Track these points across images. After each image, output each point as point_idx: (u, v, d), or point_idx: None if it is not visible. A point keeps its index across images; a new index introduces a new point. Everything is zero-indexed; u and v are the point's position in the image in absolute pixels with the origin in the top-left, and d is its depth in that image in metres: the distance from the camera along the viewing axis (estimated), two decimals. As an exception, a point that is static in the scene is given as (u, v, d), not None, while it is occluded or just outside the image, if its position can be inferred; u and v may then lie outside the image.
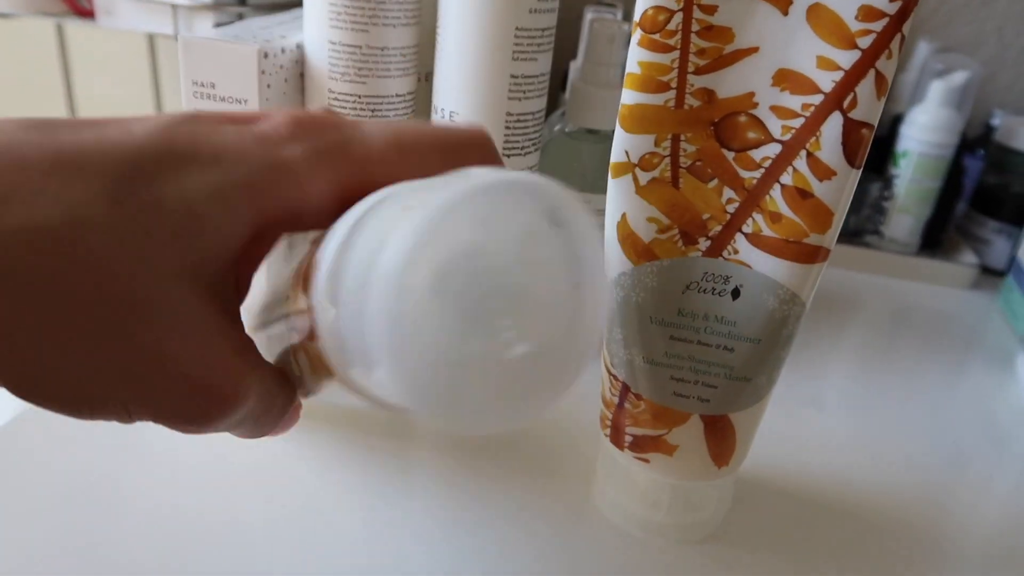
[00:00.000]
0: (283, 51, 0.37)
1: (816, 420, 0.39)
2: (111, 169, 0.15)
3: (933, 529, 0.32)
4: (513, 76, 0.35)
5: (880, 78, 0.23)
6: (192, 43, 0.35)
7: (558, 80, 0.52)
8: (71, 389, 0.15)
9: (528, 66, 0.35)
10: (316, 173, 0.17)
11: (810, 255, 0.25)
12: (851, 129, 0.23)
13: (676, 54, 0.24)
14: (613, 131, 0.26)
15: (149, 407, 0.16)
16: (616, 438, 0.29)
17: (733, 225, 0.25)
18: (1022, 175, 0.56)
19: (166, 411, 0.16)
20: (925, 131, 0.53)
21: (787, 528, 0.31)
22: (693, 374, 0.27)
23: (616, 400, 0.28)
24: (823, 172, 0.24)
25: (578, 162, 0.41)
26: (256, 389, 0.17)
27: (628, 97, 0.25)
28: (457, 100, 0.36)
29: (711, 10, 0.23)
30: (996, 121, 0.60)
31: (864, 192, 0.56)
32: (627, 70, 0.25)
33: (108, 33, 0.81)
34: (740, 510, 0.31)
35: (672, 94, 0.24)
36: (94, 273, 0.14)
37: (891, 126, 0.57)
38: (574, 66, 0.46)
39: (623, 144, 0.25)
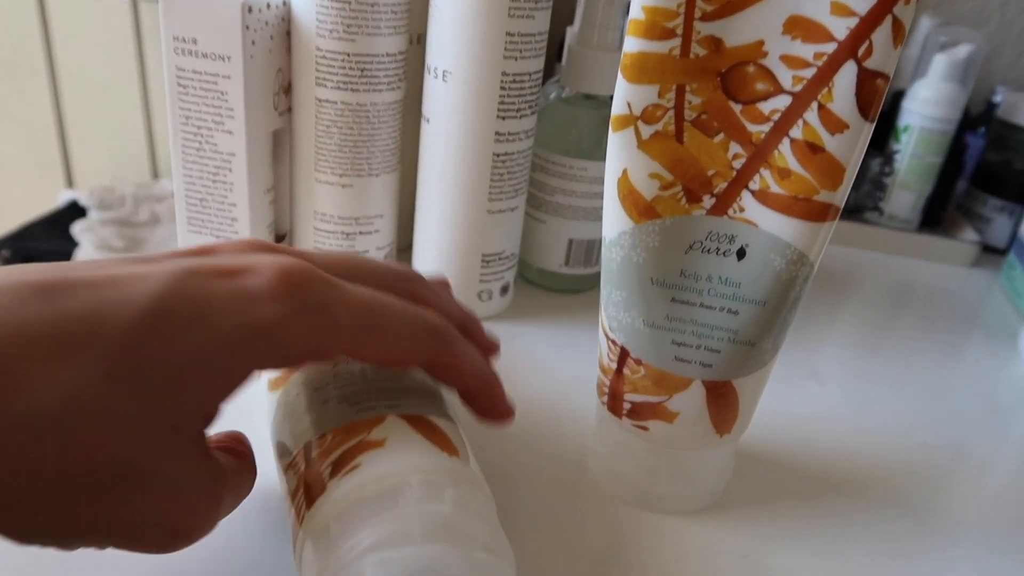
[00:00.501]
0: (269, 6, 0.35)
1: (816, 395, 0.38)
2: (107, 346, 0.17)
3: (933, 504, 0.31)
4: (509, 34, 0.34)
5: (897, 25, 0.22)
6: (173, -5, 0.34)
7: (555, 48, 0.51)
8: (59, 536, 0.17)
9: (525, 24, 0.34)
10: (292, 333, 0.19)
11: (820, 213, 0.24)
12: (865, 79, 0.22)
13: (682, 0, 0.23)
14: (611, 96, 0.25)
15: (124, 545, 0.18)
16: (614, 405, 0.28)
17: (739, 181, 0.24)
18: (1024, 152, 0.55)
19: (139, 547, 0.18)
20: (928, 105, 0.52)
21: (786, 501, 0.30)
22: (695, 338, 0.26)
23: (614, 366, 0.27)
24: (835, 125, 0.23)
25: (575, 128, 0.40)
26: (228, 502, 0.21)
27: (631, 45, 0.24)
28: (451, 58, 0.35)
29: None
30: (998, 98, 0.59)
31: (864, 168, 0.55)
32: (631, 16, 0.23)
33: (88, 4, 0.79)
34: (738, 482, 0.30)
35: (677, 42, 0.23)
36: (88, 451, 0.16)
37: (892, 101, 0.56)
38: (571, 31, 0.45)
39: (625, 95, 0.24)
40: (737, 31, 0.23)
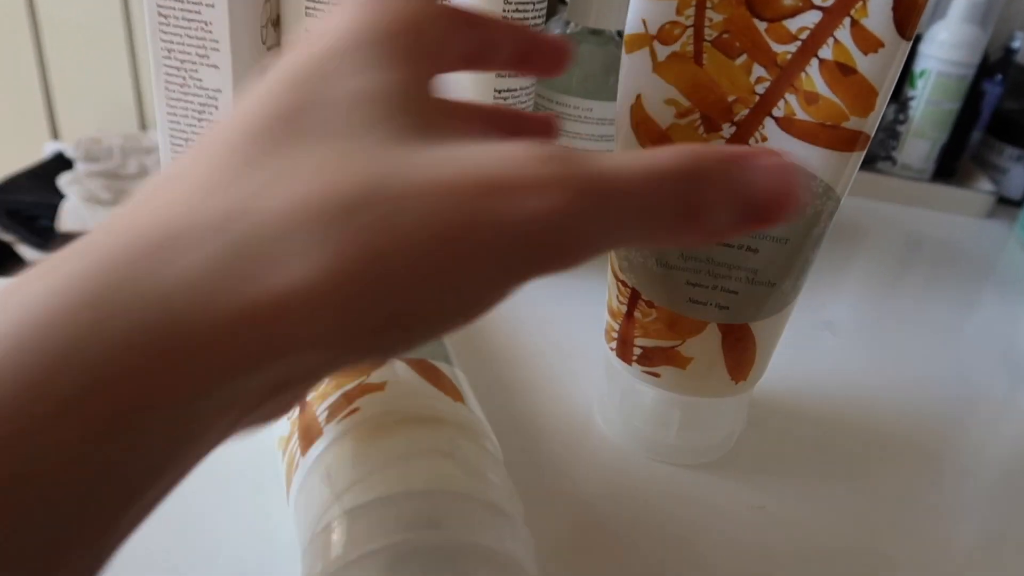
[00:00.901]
0: (254, -71, 0.33)
1: (830, 344, 0.36)
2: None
3: (947, 455, 0.30)
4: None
5: None
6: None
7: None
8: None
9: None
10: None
11: (848, 142, 0.22)
12: None
13: None
14: (618, 32, 0.23)
15: None
16: (624, 351, 0.26)
17: (762, 108, 0.22)
18: (1044, 99, 0.53)
19: None
20: (946, 48, 0.50)
21: (801, 451, 0.29)
22: (711, 278, 0.24)
23: (624, 309, 0.26)
24: (869, 43, 0.21)
25: (580, 66, 0.38)
26: None
27: None
28: (449, -13, 0.32)
29: None
30: (1017, 43, 0.57)
31: (878, 115, 0.52)
32: None
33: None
34: (753, 431, 0.29)
35: None
36: None
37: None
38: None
39: (640, 11, 0.22)
40: None
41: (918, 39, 0.52)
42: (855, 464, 0.29)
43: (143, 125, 0.78)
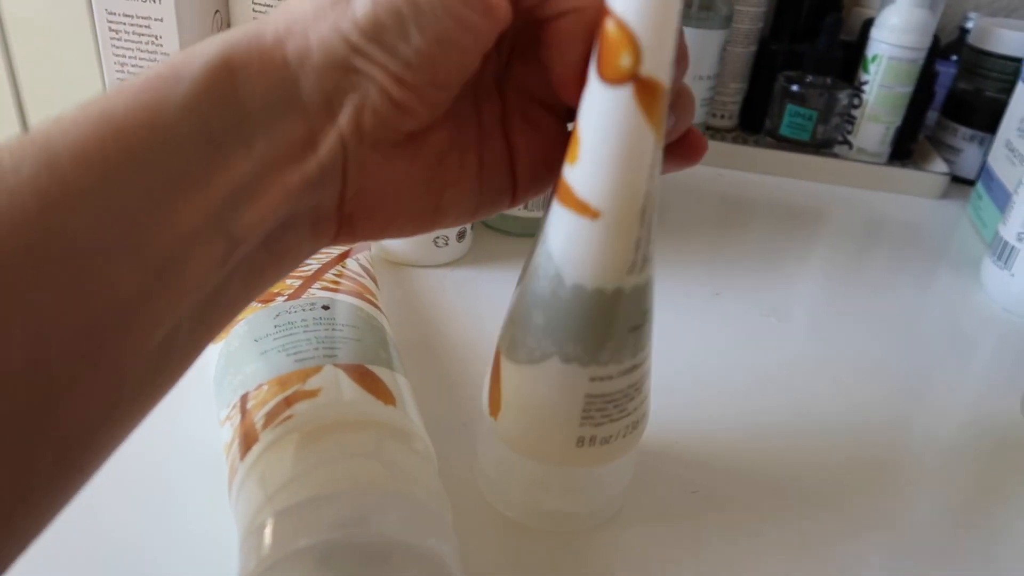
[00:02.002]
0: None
1: (780, 329, 0.38)
2: None
3: (894, 435, 0.31)
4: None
5: None
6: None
7: None
8: None
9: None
10: None
11: None
12: None
13: None
14: None
15: None
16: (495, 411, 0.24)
17: None
18: (996, 79, 0.54)
19: None
20: (896, 33, 0.51)
21: (740, 434, 0.30)
22: None
23: (493, 371, 0.24)
24: None
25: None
26: None
27: None
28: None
29: None
30: (970, 24, 0.58)
31: (833, 100, 0.53)
32: None
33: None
34: (693, 412, 0.30)
35: None
36: None
37: (862, 31, 0.54)
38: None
39: None
40: None
41: (870, 23, 0.53)
42: (798, 446, 0.30)
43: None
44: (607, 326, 0.20)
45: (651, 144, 0.18)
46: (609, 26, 0.17)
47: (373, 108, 0.18)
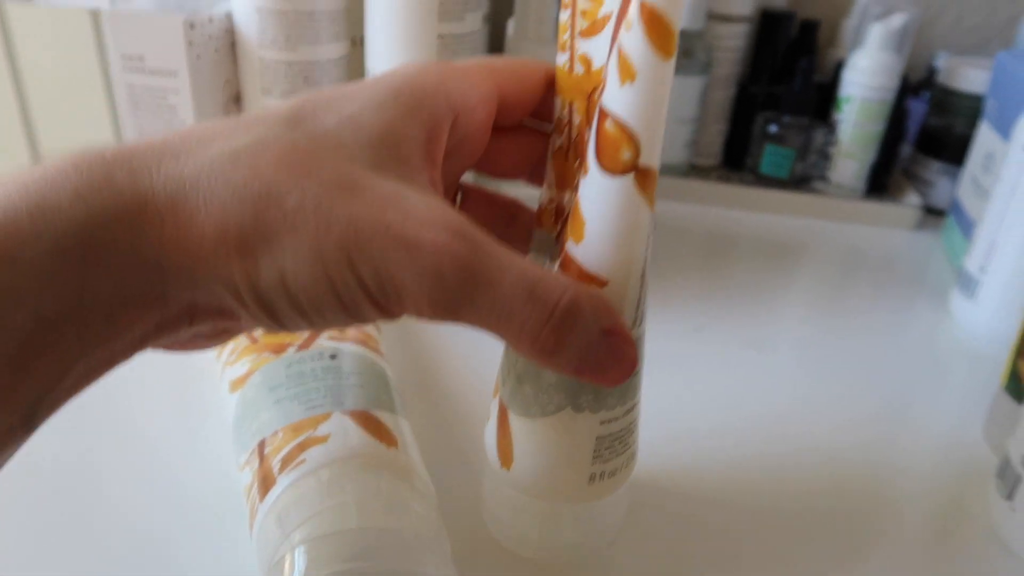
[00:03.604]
0: (211, 20, 0.37)
1: (760, 362, 0.40)
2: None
3: (871, 457, 0.34)
4: (441, 36, 0.35)
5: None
6: (117, 16, 0.35)
7: (500, 41, 0.52)
8: None
9: (455, 25, 0.35)
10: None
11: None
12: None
13: (569, 12, 0.22)
14: None
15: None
16: (505, 460, 0.25)
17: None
18: (965, 115, 0.57)
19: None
20: (866, 75, 0.54)
21: (723, 464, 0.32)
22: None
23: (497, 422, 0.26)
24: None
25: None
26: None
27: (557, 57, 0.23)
28: (388, 62, 0.36)
29: None
30: (939, 63, 0.61)
31: (809, 139, 0.56)
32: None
33: (49, 12, 0.79)
34: (677, 447, 0.32)
35: (567, 57, 0.23)
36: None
37: (834, 72, 0.57)
38: (511, 24, 0.46)
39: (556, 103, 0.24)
40: (599, 53, 0.22)
41: (842, 65, 0.56)
42: (776, 468, 0.32)
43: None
44: None
45: (648, 218, 0.21)
46: (608, 125, 0.20)
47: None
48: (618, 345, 0.19)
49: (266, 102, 0.38)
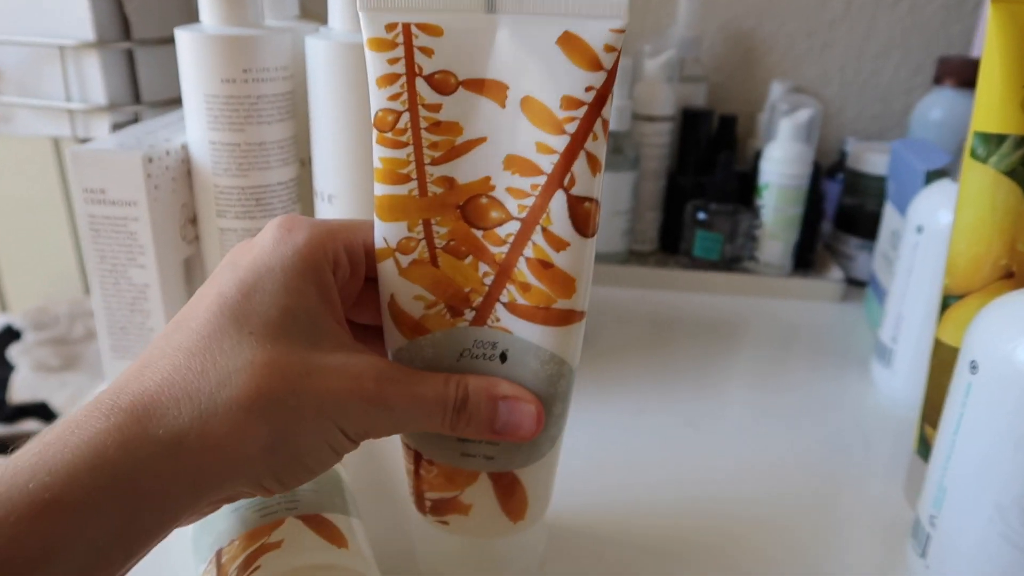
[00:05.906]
0: (168, 153, 0.40)
1: (692, 438, 0.43)
2: None
3: (795, 516, 0.36)
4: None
5: (592, 158, 0.25)
6: (79, 154, 0.38)
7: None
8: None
9: (394, 149, 0.39)
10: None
11: (563, 318, 0.26)
12: (575, 204, 0.25)
13: (410, 148, 0.25)
14: None
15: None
16: (419, 504, 0.30)
17: (492, 296, 0.26)
18: (873, 195, 0.62)
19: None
20: (780, 164, 0.58)
21: (656, 534, 0.34)
22: None
23: (413, 468, 0.29)
24: (558, 244, 0.25)
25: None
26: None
27: (378, 189, 0.26)
28: (334, 184, 0.39)
29: (436, 108, 0.25)
30: (848, 147, 0.67)
31: (736, 223, 0.61)
32: (374, 165, 0.26)
33: (12, 139, 0.82)
34: (611, 515, 0.34)
35: (415, 184, 0.26)
36: None
37: (754, 161, 0.62)
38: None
39: (381, 232, 0.26)
40: (466, 170, 0.25)
41: (757, 156, 0.61)
42: (704, 541, 0.34)
43: (87, 289, 0.83)
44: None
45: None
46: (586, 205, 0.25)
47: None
48: (516, 405, 0.26)
49: (220, 223, 0.41)
